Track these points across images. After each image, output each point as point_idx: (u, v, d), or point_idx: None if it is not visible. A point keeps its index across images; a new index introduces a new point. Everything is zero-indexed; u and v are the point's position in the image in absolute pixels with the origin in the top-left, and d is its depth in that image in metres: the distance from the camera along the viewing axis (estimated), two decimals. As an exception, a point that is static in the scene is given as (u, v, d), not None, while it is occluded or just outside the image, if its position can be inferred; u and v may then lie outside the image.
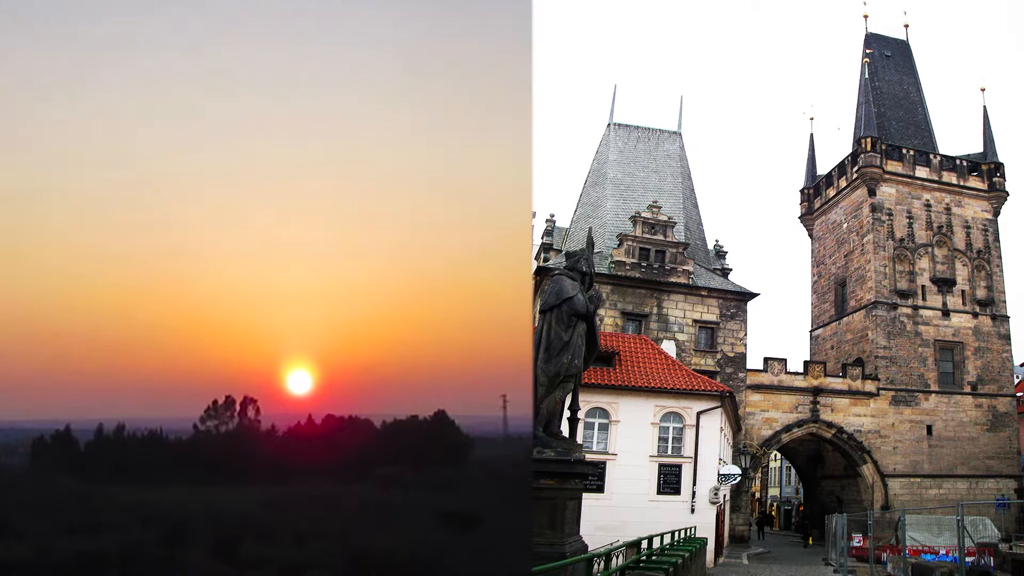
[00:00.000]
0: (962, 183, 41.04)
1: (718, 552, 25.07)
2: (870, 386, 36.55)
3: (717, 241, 39.52)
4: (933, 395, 37.45)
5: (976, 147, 43.01)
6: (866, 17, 46.87)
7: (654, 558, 12.00)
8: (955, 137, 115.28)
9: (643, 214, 33.62)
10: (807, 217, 46.45)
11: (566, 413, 10.45)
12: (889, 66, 46.17)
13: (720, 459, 25.08)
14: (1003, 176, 41.58)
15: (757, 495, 58.95)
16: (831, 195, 43.59)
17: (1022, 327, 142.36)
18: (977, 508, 30.94)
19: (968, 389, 38.04)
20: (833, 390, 36.00)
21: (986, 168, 41.56)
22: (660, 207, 34.15)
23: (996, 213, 41.36)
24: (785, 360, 35.85)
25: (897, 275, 38.69)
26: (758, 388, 34.76)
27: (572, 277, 10.44)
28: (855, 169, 40.62)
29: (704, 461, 23.38)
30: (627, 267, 32.77)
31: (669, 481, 22.92)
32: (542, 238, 37.66)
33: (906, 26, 48.47)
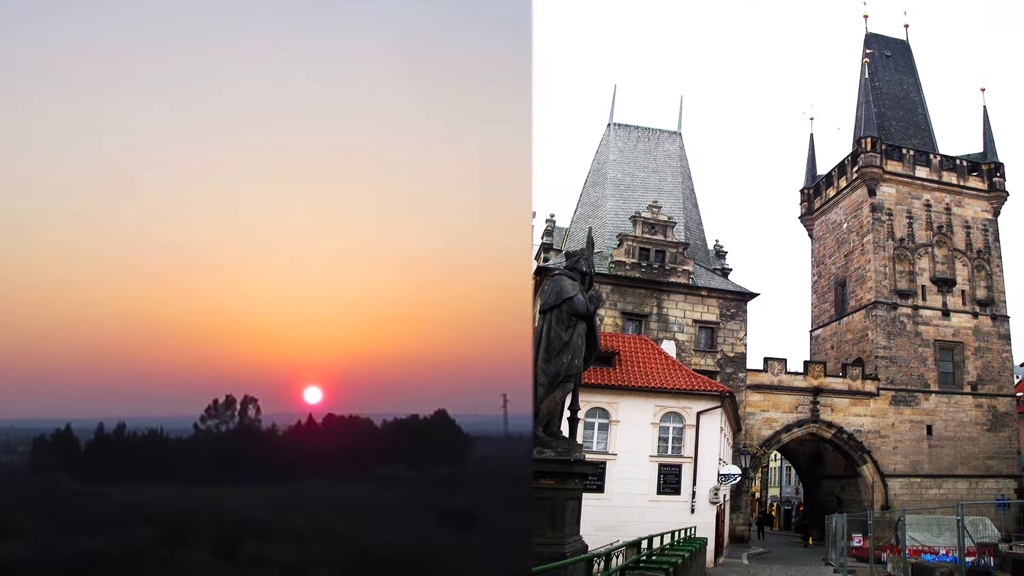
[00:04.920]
0: (962, 183, 41.04)
1: (718, 552, 25.07)
2: (870, 386, 36.55)
3: (717, 241, 39.55)
4: (933, 395, 37.46)
5: (976, 147, 43.02)
6: (866, 17, 46.93)
7: (654, 558, 12.00)
8: (955, 137, 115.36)
9: (643, 214, 33.62)
10: (807, 217, 46.46)
11: (566, 413, 10.45)
12: (889, 66, 46.18)
13: (720, 459, 25.08)
14: (1003, 176, 41.58)
15: (757, 495, 58.96)
16: (831, 195, 43.59)
17: (1022, 327, 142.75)
18: (977, 508, 30.92)
19: (968, 389, 38.05)
20: (833, 390, 36.00)
21: (986, 168, 41.56)
22: (660, 207, 34.15)
23: (996, 213, 41.37)
24: (785, 360, 35.87)
25: (897, 275, 38.70)
26: (758, 388, 34.75)
27: (572, 277, 10.44)
28: (855, 169, 40.63)
29: (704, 461, 23.38)
30: (627, 267, 32.77)
31: (669, 481, 22.92)
32: (542, 238, 37.66)
33: (906, 26, 48.54)
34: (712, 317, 33.57)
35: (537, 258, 35.66)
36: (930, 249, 39.53)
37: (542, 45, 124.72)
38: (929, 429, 36.91)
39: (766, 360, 35.56)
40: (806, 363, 36.79)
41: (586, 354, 10.29)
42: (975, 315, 39.17)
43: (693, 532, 20.16)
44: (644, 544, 11.77)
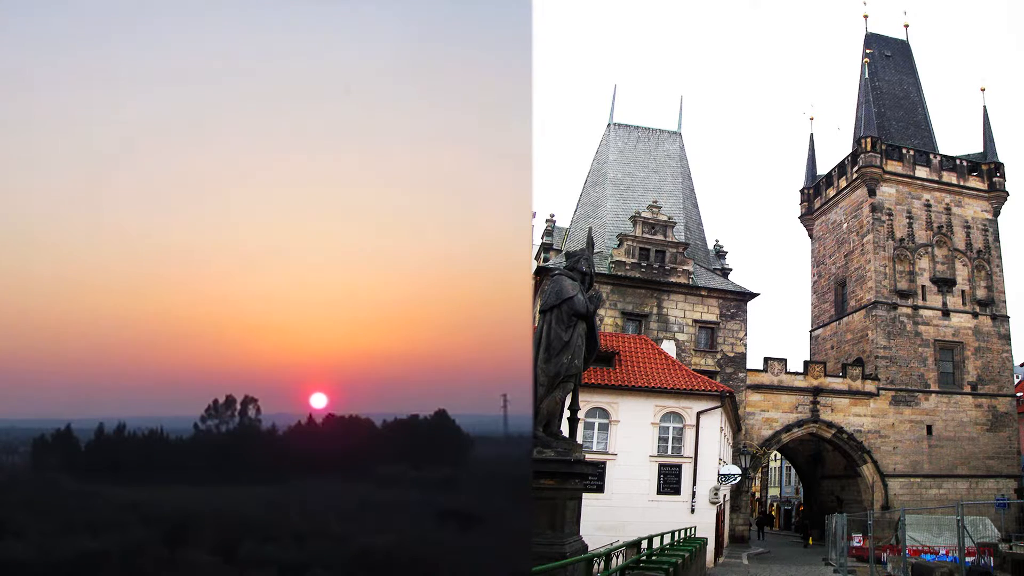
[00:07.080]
0: (962, 183, 41.04)
1: (718, 552, 25.07)
2: (870, 386, 36.55)
3: (717, 241, 39.57)
4: (933, 395, 37.45)
5: (976, 147, 43.02)
6: (866, 17, 46.93)
7: (654, 558, 12.00)
8: (955, 137, 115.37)
9: (643, 214, 33.62)
10: (807, 217, 46.47)
11: (566, 413, 10.45)
12: (889, 66, 46.18)
13: (720, 459, 25.08)
14: (1003, 176, 41.58)
15: (757, 495, 58.95)
16: (831, 195, 43.60)
17: (1022, 327, 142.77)
18: (977, 508, 30.93)
19: (968, 389, 38.04)
20: (833, 390, 36.00)
21: (986, 168, 41.56)
22: (660, 207, 34.15)
23: (996, 213, 41.37)
24: (785, 360, 35.87)
25: (897, 275, 38.70)
26: (758, 388, 34.75)
27: (572, 277, 10.44)
28: (855, 169, 40.62)
29: (704, 461, 23.38)
30: (627, 267, 32.77)
31: (669, 481, 22.92)
32: (542, 238, 37.66)
33: (906, 26, 48.54)
34: (712, 317, 33.57)
35: (537, 258, 35.66)
36: (930, 249, 39.53)
37: (542, 45, 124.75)
38: (929, 429, 36.91)
39: (766, 360, 35.56)
40: (806, 363, 36.79)
41: (586, 354, 10.29)
42: (975, 315, 39.17)
43: (693, 532, 20.16)
44: (644, 544, 11.77)
